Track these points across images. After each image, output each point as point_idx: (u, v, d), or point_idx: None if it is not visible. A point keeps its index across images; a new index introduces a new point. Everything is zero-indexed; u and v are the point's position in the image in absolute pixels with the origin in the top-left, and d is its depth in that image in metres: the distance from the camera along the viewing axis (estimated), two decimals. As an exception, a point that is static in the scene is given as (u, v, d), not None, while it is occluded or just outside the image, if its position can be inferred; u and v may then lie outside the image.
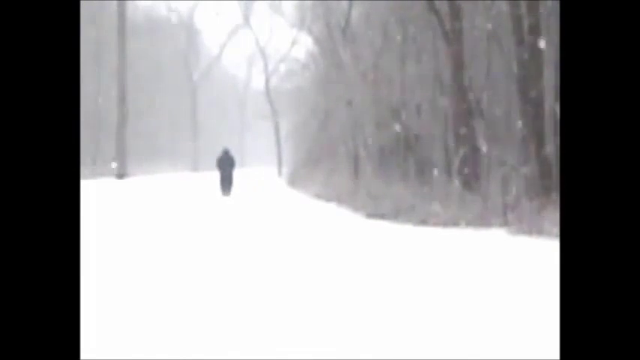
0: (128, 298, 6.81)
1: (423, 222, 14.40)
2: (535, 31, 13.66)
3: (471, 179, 15.65)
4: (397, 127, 19.53)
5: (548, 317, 5.62)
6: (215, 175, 27.57)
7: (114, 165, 43.80)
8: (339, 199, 20.46)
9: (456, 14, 16.31)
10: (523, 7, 13.98)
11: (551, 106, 13.69)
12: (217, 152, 27.97)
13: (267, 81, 55.90)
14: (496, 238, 11.89)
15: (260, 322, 5.75)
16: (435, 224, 14.05)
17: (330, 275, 8.10)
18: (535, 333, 5.37)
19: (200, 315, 6.04)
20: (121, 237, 12.16)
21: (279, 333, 5.43)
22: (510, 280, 7.87)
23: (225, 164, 25.69)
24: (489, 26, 16.16)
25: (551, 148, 13.47)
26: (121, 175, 43.22)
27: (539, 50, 13.63)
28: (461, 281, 7.71)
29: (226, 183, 25.60)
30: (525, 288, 7.30)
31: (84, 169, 35.16)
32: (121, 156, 44.64)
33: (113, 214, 17.05)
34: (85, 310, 5.22)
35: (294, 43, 46.94)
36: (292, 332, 5.45)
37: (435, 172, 17.22)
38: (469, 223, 13.59)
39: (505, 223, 13.02)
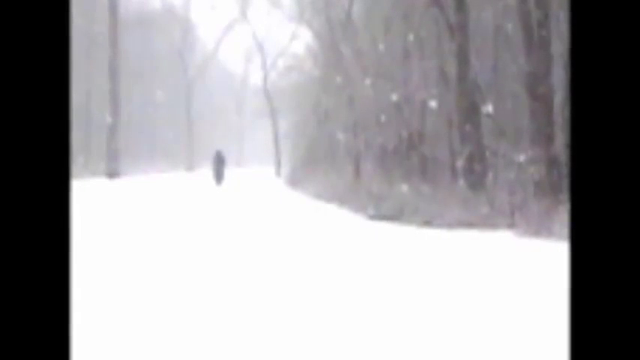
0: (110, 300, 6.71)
1: (427, 223, 14.13)
2: (544, 25, 13.36)
3: (477, 179, 15.39)
4: (400, 125, 19.24)
5: (557, 322, 5.58)
6: (209, 174, 37.30)
7: (106, 164, 43.18)
8: (340, 200, 20.12)
9: (460, 7, 16.00)
10: (531, 1, 13.66)
11: (561, 103, 13.41)
12: (213, 152, 37.13)
13: (265, 77, 55.48)
14: (503, 241, 11.71)
15: (256, 328, 5.70)
16: (440, 226, 13.75)
17: (331, 281, 7.94)
18: (543, 338, 5.31)
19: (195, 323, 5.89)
20: (102, 240, 11.81)
21: (276, 337, 5.41)
22: (518, 283, 7.74)
23: (217, 163, 35.14)
24: (496, 20, 15.86)
25: (561, 146, 13.19)
26: (112, 175, 42.45)
27: (548, 45, 13.33)
28: (467, 286, 7.60)
29: (218, 177, 34.96)
30: (534, 292, 7.19)
31: (75, 168, 34.86)
32: (113, 155, 43.94)
33: (99, 216, 16.72)
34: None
35: (293, 37, 46.55)
36: (290, 337, 5.41)
37: (440, 171, 16.95)
38: (475, 225, 13.31)
39: (512, 225, 12.80)
